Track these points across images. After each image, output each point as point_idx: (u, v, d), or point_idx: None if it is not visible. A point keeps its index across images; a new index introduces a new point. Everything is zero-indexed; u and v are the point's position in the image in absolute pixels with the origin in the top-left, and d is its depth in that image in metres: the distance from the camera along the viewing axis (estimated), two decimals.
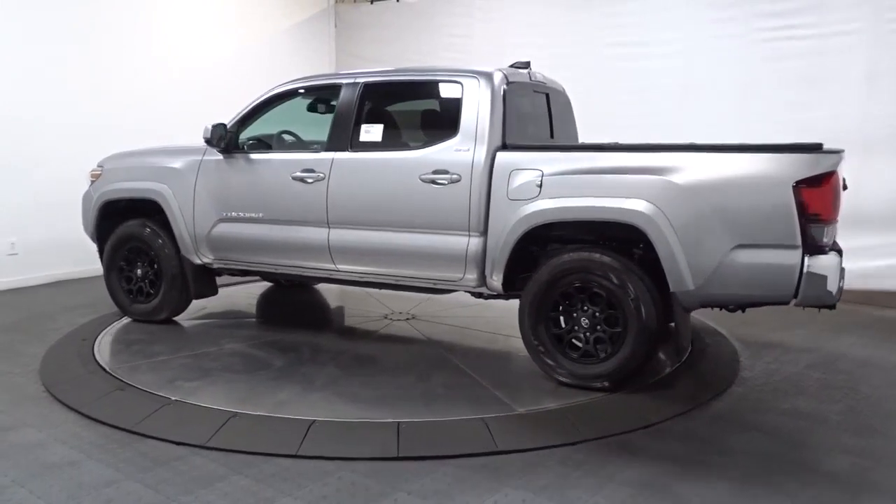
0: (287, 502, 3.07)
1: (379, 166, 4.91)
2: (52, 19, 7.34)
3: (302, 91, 5.47)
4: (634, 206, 4.06)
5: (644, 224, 4.05)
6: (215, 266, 5.70)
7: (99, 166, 6.11)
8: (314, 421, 3.80)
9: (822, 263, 3.79)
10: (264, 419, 3.88)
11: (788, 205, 3.77)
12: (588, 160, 4.35)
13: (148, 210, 5.79)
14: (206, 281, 5.87)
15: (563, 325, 4.43)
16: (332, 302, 6.96)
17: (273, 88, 5.47)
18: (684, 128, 7.07)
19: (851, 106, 6.56)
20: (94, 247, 6.14)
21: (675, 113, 7.33)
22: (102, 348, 5.19)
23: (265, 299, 6.99)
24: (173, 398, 4.15)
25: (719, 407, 4.24)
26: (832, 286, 3.80)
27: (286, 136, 5.82)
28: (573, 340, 4.42)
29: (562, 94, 5.59)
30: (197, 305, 6.12)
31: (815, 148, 3.86)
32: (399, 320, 6.02)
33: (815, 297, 3.83)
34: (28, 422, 3.91)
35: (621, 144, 4.62)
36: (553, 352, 4.42)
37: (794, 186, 3.75)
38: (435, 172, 4.64)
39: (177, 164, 5.66)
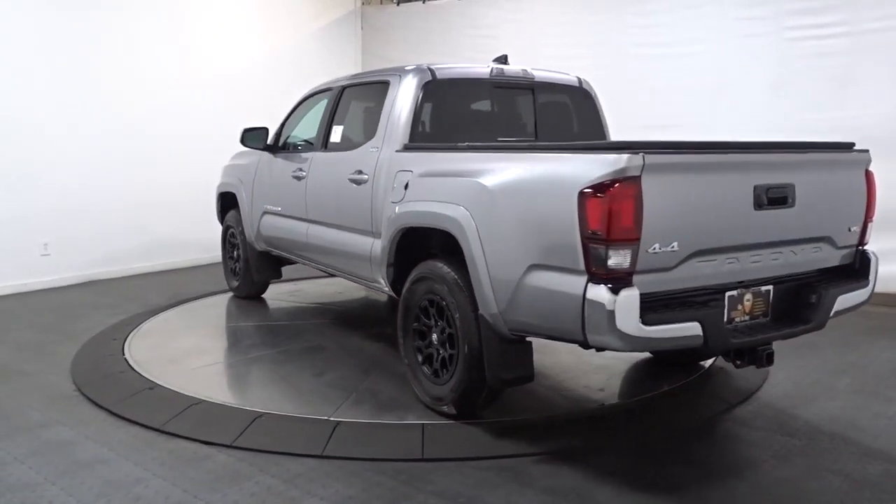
0: (313, 502, 3.09)
1: (329, 165, 5.07)
2: (84, 27, 7.47)
3: (314, 96, 5.71)
4: (449, 211, 3.66)
5: (456, 231, 3.62)
6: (273, 253, 6.14)
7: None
8: (339, 422, 3.82)
9: (608, 295, 2.92)
10: (290, 419, 3.90)
11: (571, 218, 3.04)
12: (436, 162, 4.03)
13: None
14: (267, 265, 6.45)
15: (421, 338, 4.05)
16: None
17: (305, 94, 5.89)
18: (714, 128, 7.02)
19: (882, 105, 6.45)
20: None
21: (705, 113, 7.27)
22: (134, 344, 5.29)
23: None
24: (200, 398, 4.20)
25: (748, 410, 4.18)
26: (625, 325, 2.91)
27: None
28: (431, 357, 3.99)
29: (568, 90, 5.06)
30: (291, 287, 7.14)
31: (615, 147, 3.10)
32: None
33: (599, 337, 3.00)
34: (60, 420, 3.98)
35: (471, 145, 4.02)
36: (413, 365, 4.08)
37: (578, 195, 3.02)
38: (357, 172, 4.59)
39: (248, 163, 6.27)
